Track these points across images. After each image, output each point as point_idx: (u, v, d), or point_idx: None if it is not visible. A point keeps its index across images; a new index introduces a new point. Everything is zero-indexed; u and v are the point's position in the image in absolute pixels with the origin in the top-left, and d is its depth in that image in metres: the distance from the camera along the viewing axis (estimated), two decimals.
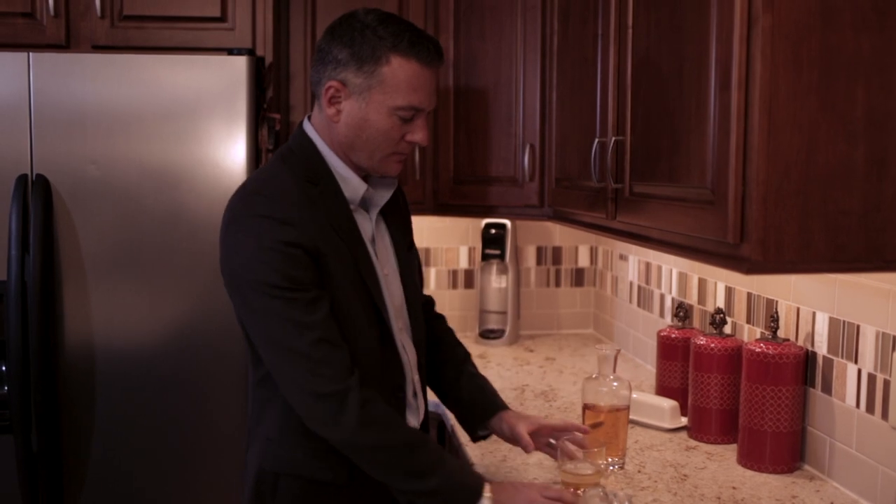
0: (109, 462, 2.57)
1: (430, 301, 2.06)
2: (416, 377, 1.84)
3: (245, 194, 1.68)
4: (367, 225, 1.76)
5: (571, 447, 1.76)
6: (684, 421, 2.27)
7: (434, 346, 1.98)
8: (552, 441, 1.82)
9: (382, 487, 1.68)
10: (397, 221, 1.86)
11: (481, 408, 1.91)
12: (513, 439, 1.84)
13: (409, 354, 1.81)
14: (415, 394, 1.83)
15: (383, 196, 1.79)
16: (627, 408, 1.99)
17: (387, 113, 1.65)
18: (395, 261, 1.82)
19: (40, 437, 2.47)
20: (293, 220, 1.61)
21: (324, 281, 1.63)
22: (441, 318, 2.07)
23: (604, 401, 1.98)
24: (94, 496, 2.58)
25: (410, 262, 1.88)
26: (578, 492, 1.70)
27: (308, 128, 1.74)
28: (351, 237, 1.69)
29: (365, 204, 1.76)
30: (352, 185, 1.72)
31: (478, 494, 1.63)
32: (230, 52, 2.56)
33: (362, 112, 1.66)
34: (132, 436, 2.58)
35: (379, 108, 1.65)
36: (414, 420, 1.83)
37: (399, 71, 1.63)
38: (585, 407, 1.99)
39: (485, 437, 1.94)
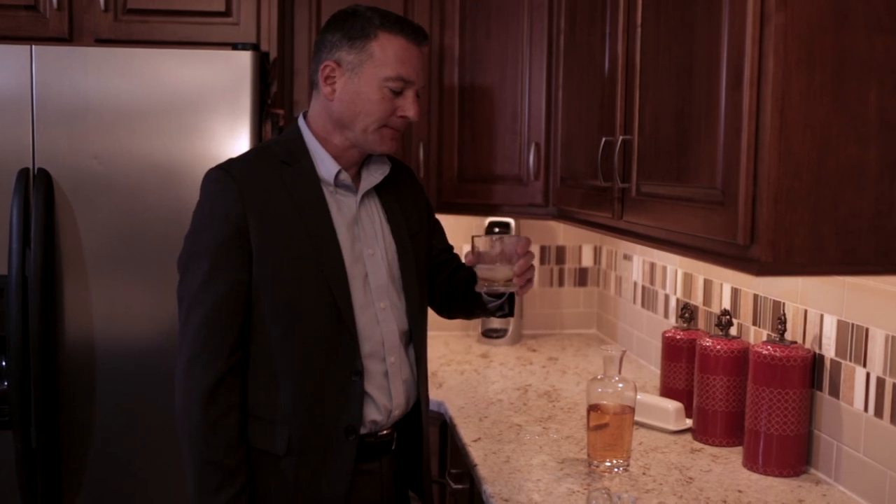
0: (109, 458, 2.56)
1: (454, 259, 2.14)
2: (395, 358, 1.85)
3: (210, 168, 1.81)
4: (350, 206, 1.84)
5: (481, 243, 1.83)
6: (689, 423, 2.25)
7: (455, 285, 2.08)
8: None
9: (326, 460, 1.78)
10: (398, 207, 1.93)
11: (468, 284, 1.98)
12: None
13: (386, 332, 1.84)
14: (386, 374, 1.84)
15: (371, 179, 1.88)
16: (633, 409, 1.98)
17: (377, 85, 1.77)
18: (386, 243, 1.88)
19: (39, 432, 2.45)
20: (234, 192, 1.72)
21: (260, 254, 1.73)
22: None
23: (609, 402, 1.97)
24: (93, 492, 2.56)
25: (411, 246, 1.92)
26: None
27: (300, 120, 1.88)
28: (312, 215, 1.77)
29: (346, 187, 1.84)
30: (326, 165, 1.82)
31: None
32: (234, 46, 2.54)
33: (355, 86, 1.78)
34: (132, 432, 2.56)
35: (370, 81, 1.77)
36: (386, 402, 1.84)
37: (387, 45, 1.77)
38: (590, 408, 1.98)
39: (503, 310, 1.98)
